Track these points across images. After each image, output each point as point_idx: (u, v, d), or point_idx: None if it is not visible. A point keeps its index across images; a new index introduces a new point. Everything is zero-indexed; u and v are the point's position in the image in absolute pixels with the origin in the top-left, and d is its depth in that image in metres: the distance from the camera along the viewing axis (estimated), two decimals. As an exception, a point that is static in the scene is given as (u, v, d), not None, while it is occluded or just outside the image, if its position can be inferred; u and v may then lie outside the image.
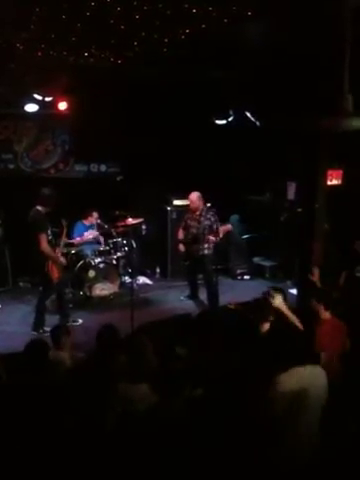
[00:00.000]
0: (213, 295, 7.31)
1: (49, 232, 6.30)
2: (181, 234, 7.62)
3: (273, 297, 4.34)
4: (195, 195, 7.42)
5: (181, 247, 7.53)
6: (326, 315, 4.63)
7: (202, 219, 7.30)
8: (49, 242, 6.28)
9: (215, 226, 7.22)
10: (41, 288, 6.69)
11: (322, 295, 4.81)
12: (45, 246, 6.14)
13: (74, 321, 6.76)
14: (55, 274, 6.38)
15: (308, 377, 3.24)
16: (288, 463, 3.15)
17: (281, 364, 3.20)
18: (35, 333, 6.38)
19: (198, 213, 7.37)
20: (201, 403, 3.35)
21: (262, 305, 4.60)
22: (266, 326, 4.43)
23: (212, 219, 7.25)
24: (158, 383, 3.41)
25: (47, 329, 6.47)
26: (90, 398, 3.34)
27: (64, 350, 4.45)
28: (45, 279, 6.41)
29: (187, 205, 8.06)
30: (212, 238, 7.19)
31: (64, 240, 6.72)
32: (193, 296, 7.82)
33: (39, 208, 6.26)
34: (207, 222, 7.26)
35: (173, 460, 2.95)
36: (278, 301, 4.34)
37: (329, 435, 3.41)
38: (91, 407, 3.29)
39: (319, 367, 3.37)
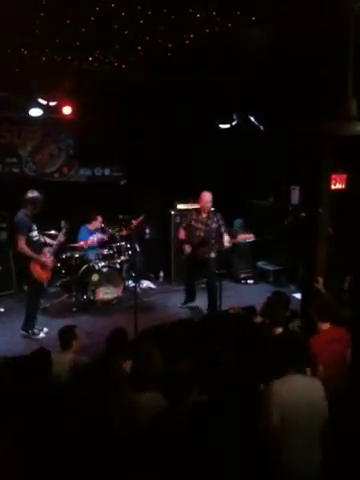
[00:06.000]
0: (214, 298, 7.25)
1: (34, 233, 6.41)
2: (182, 234, 7.48)
3: None
4: (209, 195, 7.30)
5: (187, 248, 7.40)
6: (324, 326, 4.35)
7: (210, 222, 7.26)
8: (33, 242, 6.37)
9: (222, 229, 7.19)
10: (26, 287, 6.86)
11: (321, 309, 4.45)
12: (22, 246, 6.29)
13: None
14: (42, 275, 6.48)
15: (303, 387, 3.20)
16: (287, 475, 3.13)
17: (281, 370, 3.18)
18: (24, 332, 6.52)
19: (205, 215, 7.33)
20: (205, 409, 3.33)
21: (274, 309, 4.59)
22: (279, 330, 4.41)
23: (220, 222, 7.23)
24: (164, 387, 3.39)
25: (36, 331, 6.55)
26: (94, 403, 3.32)
27: (70, 352, 4.45)
28: (29, 279, 6.54)
29: (191, 209, 8.05)
30: (227, 244, 7.13)
31: (58, 242, 6.77)
32: (190, 300, 7.73)
33: (23, 210, 6.38)
34: (215, 225, 7.23)
35: (176, 466, 2.93)
36: None
37: (331, 449, 3.37)
38: (95, 412, 3.27)
39: (316, 379, 3.33)
